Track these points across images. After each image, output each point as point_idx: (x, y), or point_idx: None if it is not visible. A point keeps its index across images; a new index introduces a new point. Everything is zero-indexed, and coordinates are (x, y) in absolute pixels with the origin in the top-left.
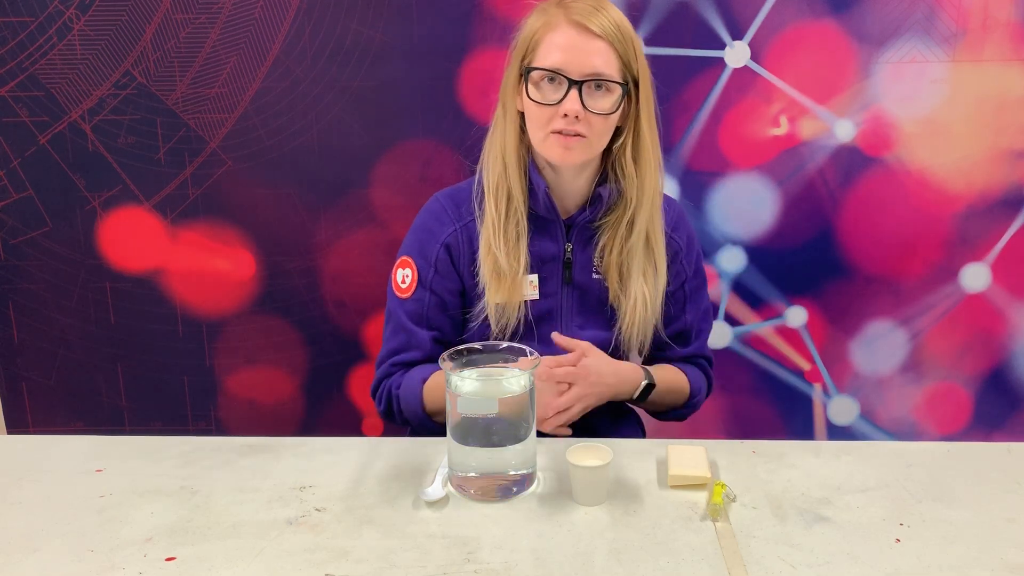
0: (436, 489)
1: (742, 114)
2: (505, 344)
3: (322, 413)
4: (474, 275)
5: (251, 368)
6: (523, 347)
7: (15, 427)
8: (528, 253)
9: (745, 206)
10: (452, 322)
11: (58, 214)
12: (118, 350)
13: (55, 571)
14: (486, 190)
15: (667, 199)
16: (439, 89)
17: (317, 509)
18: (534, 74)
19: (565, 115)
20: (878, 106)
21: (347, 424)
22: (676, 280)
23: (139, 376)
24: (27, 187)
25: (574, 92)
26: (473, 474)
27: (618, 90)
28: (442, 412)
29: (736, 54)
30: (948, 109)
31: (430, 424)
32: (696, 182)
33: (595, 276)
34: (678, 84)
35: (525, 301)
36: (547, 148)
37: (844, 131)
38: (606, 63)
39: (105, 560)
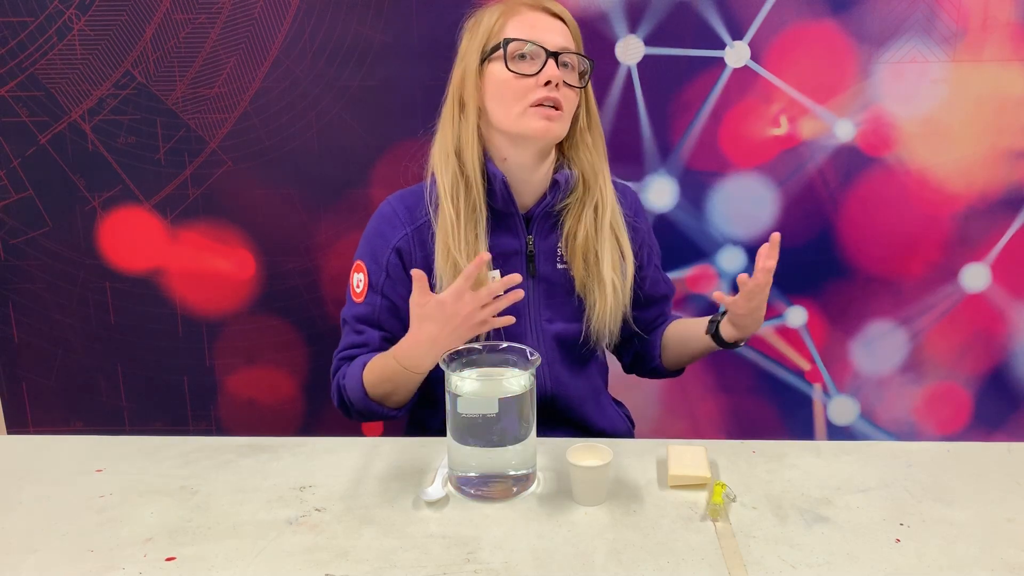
0: (436, 489)
1: (742, 114)
2: (505, 344)
3: (322, 413)
4: (430, 279)
5: (251, 368)
6: (524, 347)
7: (15, 427)
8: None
9: (745, 206)
10: (403, 325)
11: (58, 214)
12: (118, 350)
13: (55, 571)
14: (441, 193)
15: (622, 185)
16: (439, 89)
17: (317, 509)
18: (512, 46)
19: (547, 83)
20: (878, 106)
21: (347, 424)
22: (649, 262)
23: (139, 376)
24: (27, 187)
25: (552, 62)
26: (473, 474)
27: (580, 66)
28: (388, 396)
29: (736, 54)
30: (948, 109)
31: (381, 410)
32: (696, 182)
33: (560, 266)
34: (678, 84)
35: None
36: (526, 122)
37: (844, 131)
38: (569, 41)
39: (105, 560)
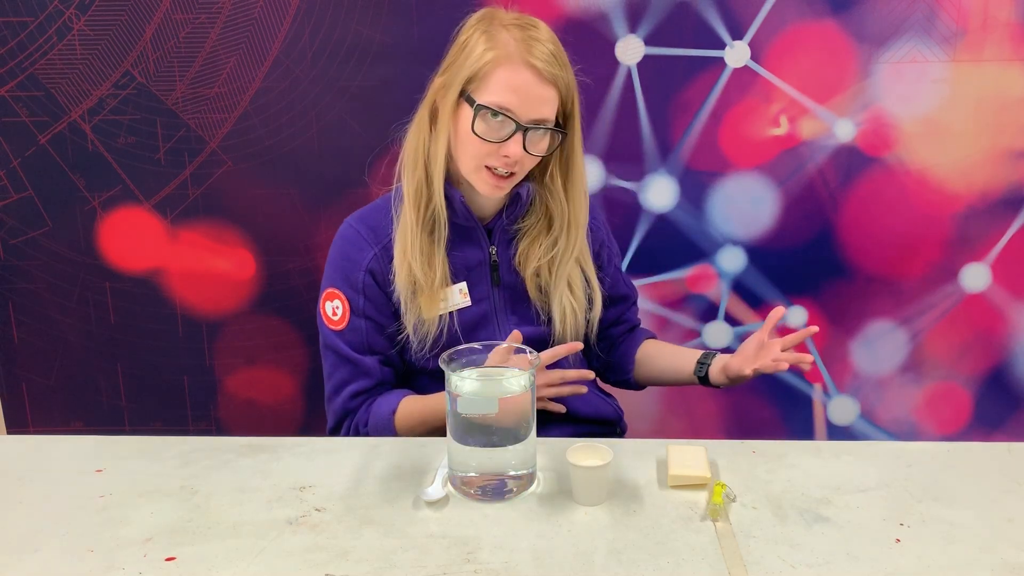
0: (436, 489)
1: (742, 114)
2: (506, 344)
3: (322, 413)
4: (391, 286)
5: (251, 368)
6: (524, 347)
7: (15, 427)
8: (448, 263)
9: (745, 206)
10: (392, 344)
11: (58, 214)
12: (118, 350)
13: (55, 571)
14: (405, 195)
15: None
16: None
17: (317, 509)
18: (483, 110)
19: (505, 156)
20: (878, 106)
21: None
22: (609, 262)
23: (139, 376)
24: (27, 187)
25: (519, 136)
26: (473, 474)
27: (555, 134)
28: (415, 431)
29: (736, 54)
30: (948, 109)
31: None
32: (696, 182)
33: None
34: (678, 84)
35: (450, 313)
36: (476, 180)
37: (844, 131)
38: (551, 110)
39: (105, 560)
